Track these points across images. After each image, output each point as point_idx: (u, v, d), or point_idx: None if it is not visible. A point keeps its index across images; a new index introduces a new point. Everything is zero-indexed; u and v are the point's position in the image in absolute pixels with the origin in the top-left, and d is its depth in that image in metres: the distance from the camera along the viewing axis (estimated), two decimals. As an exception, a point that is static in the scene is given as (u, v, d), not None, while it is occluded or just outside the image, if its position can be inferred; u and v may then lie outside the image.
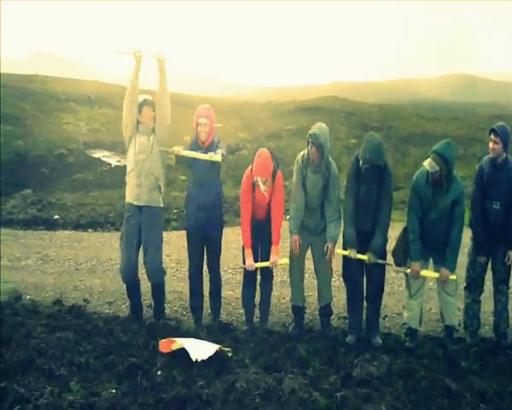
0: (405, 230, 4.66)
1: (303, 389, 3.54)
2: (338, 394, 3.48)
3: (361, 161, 4.42)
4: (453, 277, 4.49)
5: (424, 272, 4.54)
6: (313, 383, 3.69)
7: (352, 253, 4.56)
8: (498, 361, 4.26)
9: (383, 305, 5.69)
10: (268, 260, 4.81)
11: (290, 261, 4.89)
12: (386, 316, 5.38)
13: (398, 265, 4.72)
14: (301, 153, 4.76)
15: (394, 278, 6.51)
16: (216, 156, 4.64)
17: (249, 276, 4.92)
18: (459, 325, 4.81)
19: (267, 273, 4.96)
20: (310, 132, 4.58)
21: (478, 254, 4.67)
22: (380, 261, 4.58)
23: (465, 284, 4.84)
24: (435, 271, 4.60)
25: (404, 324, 4.90)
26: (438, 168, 4.26)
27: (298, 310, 4.96)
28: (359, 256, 4.56)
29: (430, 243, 4.54)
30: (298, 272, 4.91)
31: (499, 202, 4.52)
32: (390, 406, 3.37)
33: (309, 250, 4.93)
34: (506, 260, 4.55)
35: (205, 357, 3.83)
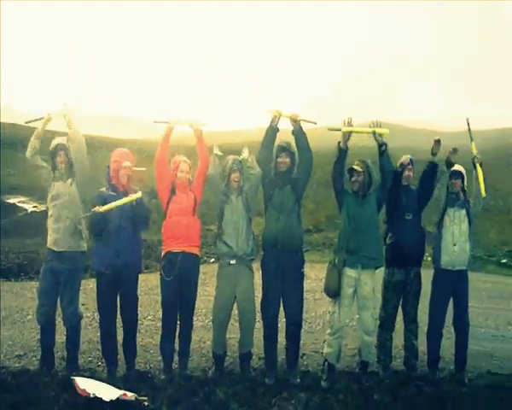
0: (330, 263, 4.83)
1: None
2: (255, 435, 3.50)
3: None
4: (385, 131, 4.72)
5: (357, 128, 4.70)
6: (231, 426, 3.68)
7: None
8: (409, 393, 4.45)
9: (302, 343, 5.81)
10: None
11: (214, 309, 4.88)
12: (304, 354, 5.47)
13: (331, 297, 4.81)
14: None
15: (313, 317, 6.68)
16: (135, 195, 4.65)
17: (168, 330, 4.82)
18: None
19: (186, 327, 4.89)
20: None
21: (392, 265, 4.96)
22: None
23: (379, 323, 5.08)
24: (360, 275, 4.71)
25: (325, 360, 5.00)
26: (361, 170, 4.69)
27: (218, 356, 4.92)
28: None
29: (359, 244, 4.69)
30: (221, 321, 4.84)
31: (411, 213, 4.91)
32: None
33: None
34: None
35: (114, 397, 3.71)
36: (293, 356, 4.87)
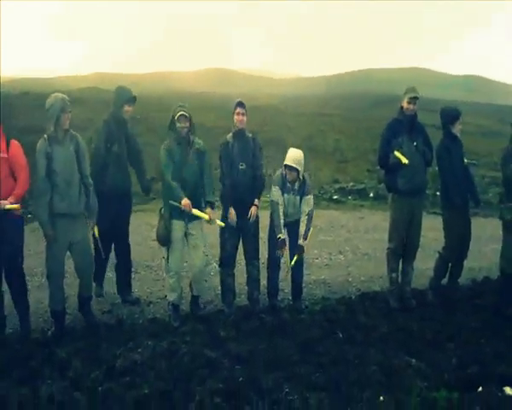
0: (160, 212, 4.91)
1: (62, 393, 3.36)
2: (100, 388, 3.41)
3: None
4: (220, 223, 4.93)
5: (195, 211, 4.73)
6: (74, 384, 3.53)
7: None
8: (252, 326, 4.67)
9: (149, 292, 5.79)
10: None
11: (48, 264, 4.54)
12: (150, 302, 5.46)
13: (163, 245, 4.88)
14: None
15: (159, 265, 6.65)
16: None
17: None
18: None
19: (17, 282, 4.51)
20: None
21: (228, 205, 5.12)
22: None
23: (219, 263, 5.24)
24: (187, 224, 4.85)
25: (169, 304, 5.02)
26: (188, 116, 4.77)
27: (57, 313, 4.67)
28: None
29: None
30: (57, 275, 4.59)
31: (244, 163, 5.09)
32: (152, 387, 3.43)
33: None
34: (249, 216, 5.07)
35: None
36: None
